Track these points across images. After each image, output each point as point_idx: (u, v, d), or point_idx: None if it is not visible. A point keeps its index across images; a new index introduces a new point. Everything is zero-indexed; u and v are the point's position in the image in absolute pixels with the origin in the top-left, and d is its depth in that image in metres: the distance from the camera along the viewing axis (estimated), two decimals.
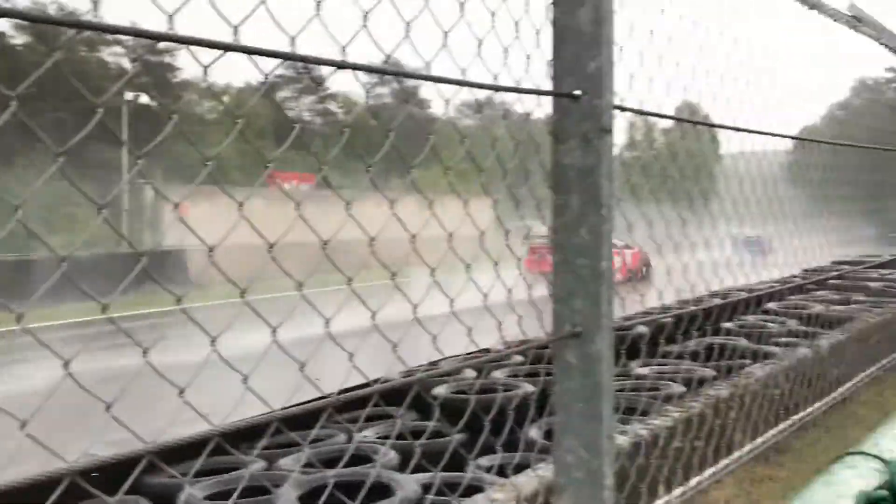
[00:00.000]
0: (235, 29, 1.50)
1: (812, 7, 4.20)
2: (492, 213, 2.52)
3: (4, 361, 16.11)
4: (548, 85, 2.38)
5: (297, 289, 1.84)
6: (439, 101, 2.32)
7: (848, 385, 5.09)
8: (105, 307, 1.41)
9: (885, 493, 0.86)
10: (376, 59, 2.09)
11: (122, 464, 1.69)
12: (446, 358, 6.64)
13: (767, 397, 4.41)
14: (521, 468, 4.42)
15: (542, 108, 2.45)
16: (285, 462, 5.35)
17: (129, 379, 1.50)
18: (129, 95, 39.20)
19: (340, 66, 1.69)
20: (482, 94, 2.42)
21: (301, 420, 1.84)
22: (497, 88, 2.25)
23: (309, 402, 1.92)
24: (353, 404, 1.94)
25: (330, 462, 5.08)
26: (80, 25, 1.29)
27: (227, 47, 1.48)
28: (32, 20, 1.28)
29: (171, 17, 1.41)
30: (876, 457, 0.96)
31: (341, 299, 2.01)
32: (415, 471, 4.71)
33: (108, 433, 1.76)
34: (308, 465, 4.61)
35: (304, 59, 1.63)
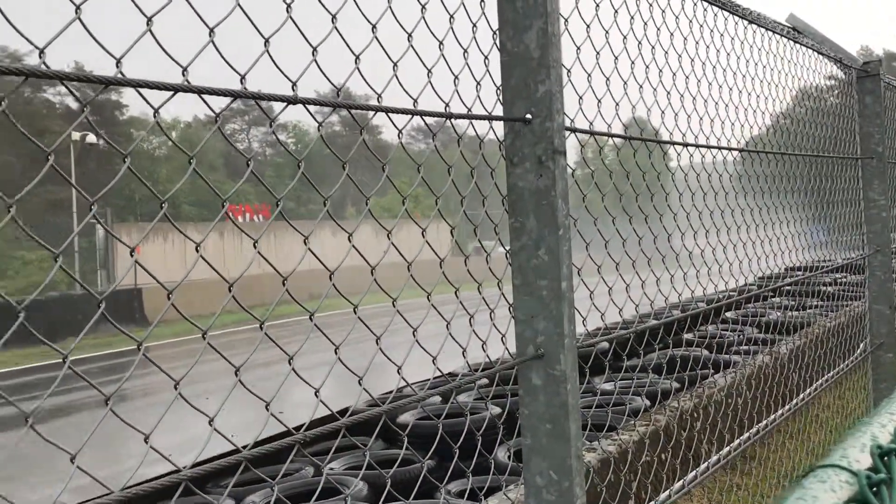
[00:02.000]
0: (184, 70, 1.49)
1: (752, 21, 4.28)
2: (450, 235, 2.52)
3: None
4: (500, 107, 2.40)
5: (259, 325, 1.82)
6: (389, 128, 2.33)
7: (809, 390, 5.15)
8: (65, 358, 1.38)
9: None
10: (324, 85, 2.10)
11: None
12: (411, 384, 6.62)
13: (731, 406, 4.45)
14: (492, 492, 4.41)
15: (496, 132, 2.46)
16: (253, 499, 5.29)
17: (91, 430, 1.48)
18: (75, 135, 38.93)
19: (293, 101, 1.69)
20: (433, 120, 2.43)
21: (268, 455, 1.82)
22: (449, 116, 2.26)
23: (276, 437, 1.90)
24: (320, 436, 1.92)
25: (298, 497, 5.02)
26: (31, 74, 1.27)
27: (178, 88, 1.47)
28: None
29: (118, 60, 1.40)
30: (845, 469, 0.97)
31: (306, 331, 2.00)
32: (386, 501, 4.67)
33: (73, 479, 1.72)
34: (277, 501, 4.54)
35: (257, 96, 1.62)
